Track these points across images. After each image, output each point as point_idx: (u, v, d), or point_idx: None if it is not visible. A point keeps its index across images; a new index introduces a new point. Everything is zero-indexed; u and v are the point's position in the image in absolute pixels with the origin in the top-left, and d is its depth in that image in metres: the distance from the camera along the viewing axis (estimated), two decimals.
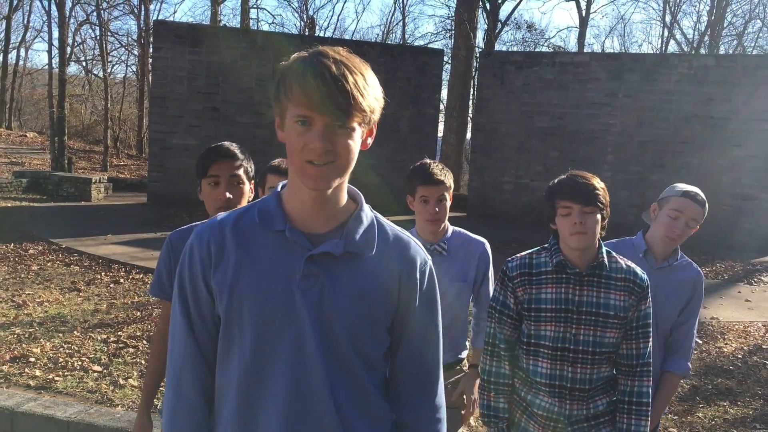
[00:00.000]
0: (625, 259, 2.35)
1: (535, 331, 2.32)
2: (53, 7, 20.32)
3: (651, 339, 2.34)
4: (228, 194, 2.24)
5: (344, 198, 1.47)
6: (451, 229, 2.84)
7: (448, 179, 2.74)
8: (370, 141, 1.43)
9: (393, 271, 1.46)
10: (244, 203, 2.25)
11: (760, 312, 8.00)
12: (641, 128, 13.00)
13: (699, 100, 12.63)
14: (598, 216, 2.23)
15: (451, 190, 2.77)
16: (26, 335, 5.51)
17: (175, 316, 1.49)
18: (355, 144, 1.36)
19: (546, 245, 2.40)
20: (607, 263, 2.29)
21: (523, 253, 2.45)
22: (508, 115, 13.81)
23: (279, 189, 1.50)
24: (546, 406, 2.32)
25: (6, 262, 8.19)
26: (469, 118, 20.13)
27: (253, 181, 2.36)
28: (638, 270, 2.32)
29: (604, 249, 2.31)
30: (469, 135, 17.34)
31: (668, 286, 2.71)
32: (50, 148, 18.81)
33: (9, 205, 12.48)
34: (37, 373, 4.69)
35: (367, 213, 1.49)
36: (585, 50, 25.71)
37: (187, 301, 1.47)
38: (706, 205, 2.70)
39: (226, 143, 2.33)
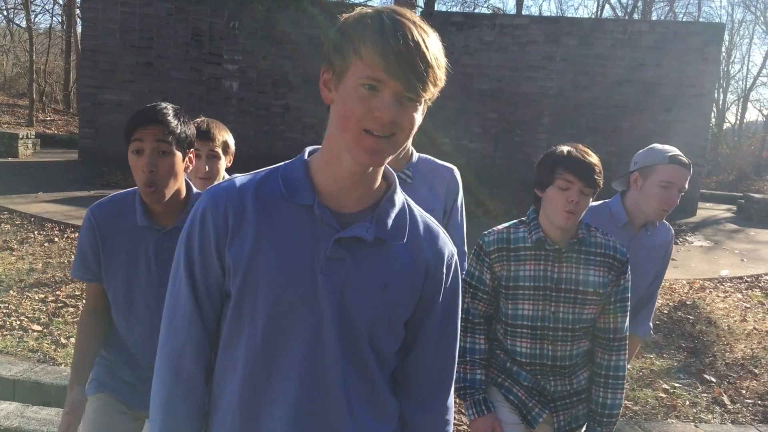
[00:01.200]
0: (604, 233, 2.31)
1: (513, 311, 2.27)
2: None
3: (628, 313, 2.30)
4: (152, 165, 1.97)
5: (380, 176, 1.34)
6: (416, 155, 2.59)
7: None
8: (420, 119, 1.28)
9: (420, 263, 1.34)
10: (174, 178, 2.02)
11: (685, 270, 8.42)
12: (577, 91, 13.28)
13: (632, 65, 12.97)
14: (590, 199, 2.19)
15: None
16: None
17: (179, 289, 1.34)
18: (417, 121, 1.22)
19: (524, 219, 2.32)
20: (587, 239, 2.24)
21: (500, 227, 2.35)
22: (449, 76, 13.38)
23: (306, 156, 1.35)
24: (531, 378, 2.29)
25: None
26: None
27: (192, 150, 2.11)
28: (618, 244, 2.27)
29: (583, 224, 2.26)
30: None
31: (644, 253, 2.65)
32: None
33: None
34: None
35: (400, 196, 1.36)
36: (523, 13, 25.93)
37: (194, 272, 1.32)
38: (691, 167, 2.60)
39: (162, 104, 2.05)
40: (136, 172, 1.98)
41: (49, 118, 22.99)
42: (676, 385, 4.80)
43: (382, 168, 1.32)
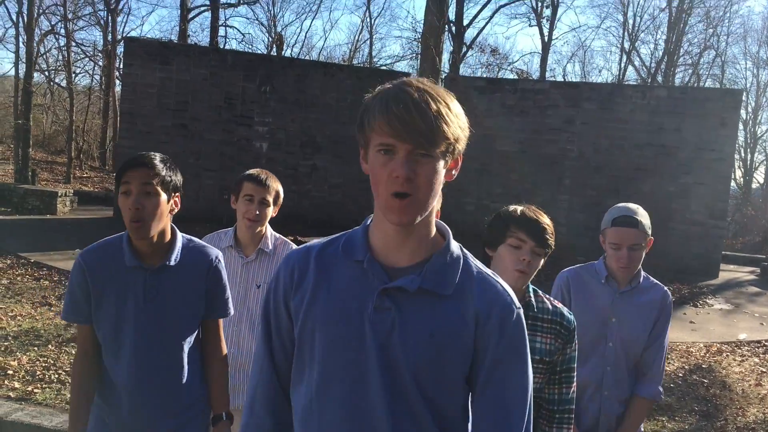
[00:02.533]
0: (552, 299, 2.27)
1: None
2: (21, 19, 20.24)
3: (574, 384, 2.25)
4: (138, 204, 2.11)
5: (432, 232, 1.43)
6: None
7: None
8: (455, 172, 1.40)
9: (468, 313, 1.37)
10: (159, 217, 2.17)
11: (702, 333, 8.49)
12: (597, 154, 13.56)
13: (651, 129, 13.24)
14: (542, 260, 2.18)
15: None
16: (2, 348, 5.67)
17: (258, 338, 1.54)
18: (438, 174, 1.33)
19: None
20: (534, 303, 2.20)
21: None
22: (471, 138, 13.95)
23: (368, 222, 1.48)
24: None
25: None
26: None
27: (178, 194, 2.27)
28: (565, 311, 2.23)
29: (530, 288, 2.23)
30: None
31: (633, 309, 2.69)
32: (14, 160, 18.70)
33: None
34: (16, 385, 4.88)
35: (454, 250, 1.44)
36: (547, 75, 26.57)
37: (270, 323, 1.50)
38: (642, 224, 2.64)
39: (151, 153, 2.23)
40: (124, 211, 2.13)
41: (85, 175, 23.85)
42: None
43: (432, 224, 1.43)
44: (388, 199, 1.31)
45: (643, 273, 2.78)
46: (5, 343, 5.81)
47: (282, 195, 3.05)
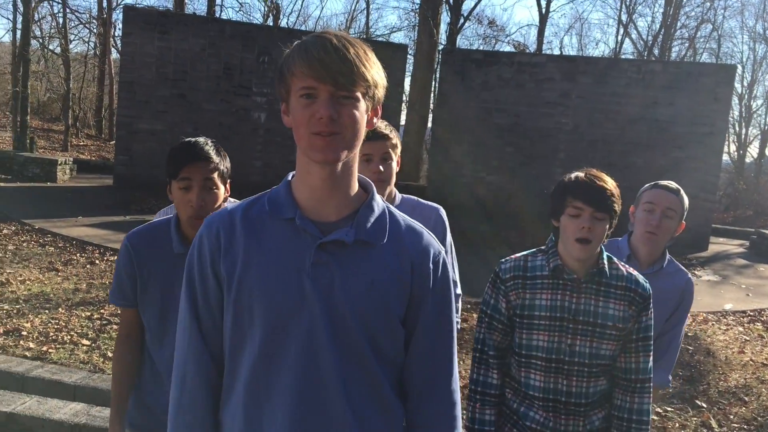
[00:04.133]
0: (627, 266, 2.20)
1: (527, 341, 2.16)
2: None
3: (652, 352, 2.18)
4: (201, 200, 2.07)
5: (355, 186, 1.45)
6: (399, 196, 2.59)
7: (394, 136, 2.48)
8: (376, 120, 1.42)
9: (405, 261, 1.42)
10: (215, 208, 2.10)
11: None
12: (592, 128, 13.73)
13: (645, 103, 13.41)
14: (607, 224, 2.09)
15: (398, 150, 2.50)
16: (14, 311, 5.88)
17: (181, 309, 1.47)
18: (361, 115, 1.35)
19: (543, 247, 2.25)
20: (607, 270, 2.14)
21: (517, 255, 2.27)
22: (467, 110, 14.40)
23: (290, 177, 1.48)
24: (540, 419, 2.17)
25: None
26: (430, 111, 20.73)
27: (229, 181, 2.20)
28: (640, 278, 2.17)
29: (605, 254, 2.16)
30: (429, 127, 17.91)
31: (655, 294, 2.47)
32: (12, 127, 18.74)
33: None
34: (31, 345, 5.10)
35: (379, 202, 1.47)
36: (544, 47, 26.57)
37: (194, 291, 1.44)
38: (682, 194, 2.58)
39: (201, 141, 2.14)
40: (184, 206, 2.07)
41: (82, 143, 23.90)
42: (669, 409, 5.18)
43: (355, 176, 1.44)
44: (310, 138, 1.32)
45: (668, 256, 2.67)
46: (17, 306, 6.02)
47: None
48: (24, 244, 8.52)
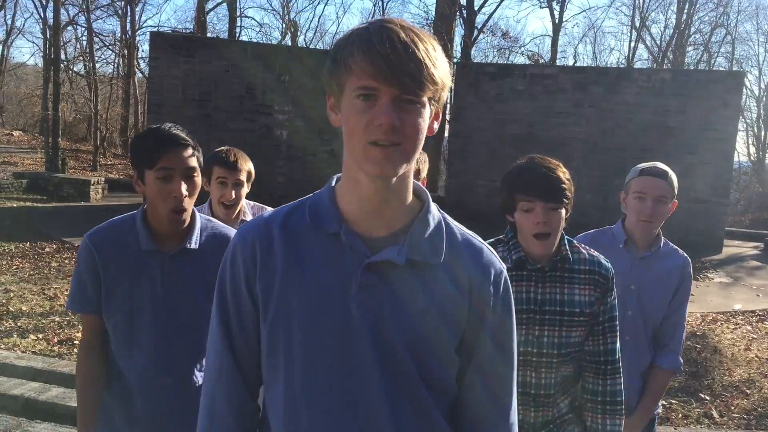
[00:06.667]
0: (588, 248, 2.15)
1: None
2: (40, 12, 20.98)
3: (618, 333, 2.15)
4: (185, 191, 1.90)
5: (409, 196, 1.28)
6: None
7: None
8: (436, 126, 1.25)
9: (463, 282, 1.27)
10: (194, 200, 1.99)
11: (700, 304, 9.07)
12: (604, 136, 14.07)
13: (657, 111, 13.73)
14: (563, 211, 2.01)
15: (423, 170, 2.56)
16: (65, 322, 6.40)
17: (212, 329, 1.33)
18: (425, 123, 1.18)
19: (501, 237, 2.18)
20: (570, 255, 2.08)
21: None
22: (482, 122, 14.82)
23: (333, 183, 1.32)
24: None
25: (27, 259, 9.04)
26: (446, 122, 21.16)
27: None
28: (602, 259, 2.12)
29: (565, 240, 2.11)
30: (446, 139, 18.34)
31: (654, 276, 2.56)
32: (45, 149, 19.49)
33: (15, 205, 13.27)
34: None
35: (435, 214, 1.31)
36: (558, 56, 26.94)
37: (227, 310, 1.30)
38: (670, 176, 2.54)
39: (171, 126, 1.96)
40: (164, 198, 1.91)
41: (110, 163, 24.63)
42: (673, 401, 5.54)
43: (410, 185, 1.28)
44: (366, 148, 1.15)
45: (663, 238, 2.68)
46: (66, 318, 6.54)
47: (253, 171, 2.95)
48: (66, 261, 9.07)
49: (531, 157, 2.07)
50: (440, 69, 1.16)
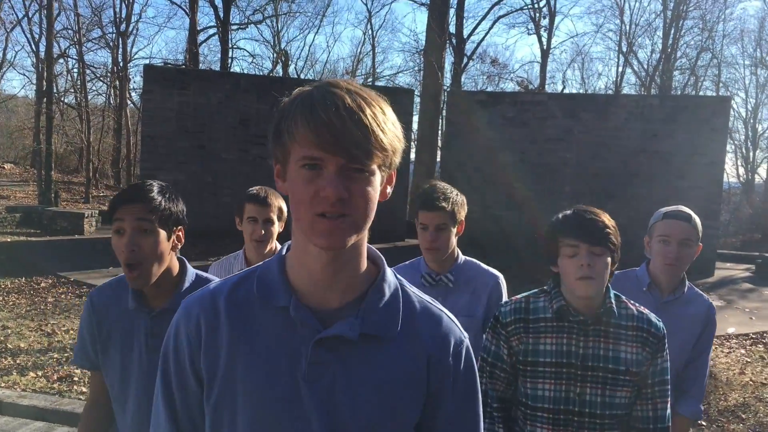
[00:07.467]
0: (637, 305, 2.07)
1: (532, 391, 2.00)
2: (32, 45, 21.13)
3: (670, 398, 2.04)
4: (132, 245, 1.84)
5: (363, 264, 1.22)
6: (462, 258, 2.61)
7: (452, 204, 2.49)
8: (389, 190, 1.19)
9: (420, 355, 1.20)
10: (160, 258, 1.90)
11: None
12: (595, 161, 14.23)
13: (645, 136, 13.92)
14: (608, 259, 1.94)
15: (459, 216, 2.53)
16: (64, 359, 6.39)
17: (157, 407, 1.25)
18: (375, 192, 1.13)
19: (545, 287, 2.11)
20: (615, 310, 1.98)
21: (518, 297, 2.13)
22: (474, 149, 14.96)
23: (284, 251, 1.24)
24: None
25: (23, 294, 9.03)
26: (438, 148, 21.35)
27: (181, 228, 1.98)
28: (652, 317, 2.03)
29: (611, 293, 2.01)
30: (438, 165, 18.49)
31: (677, 321, 2.48)
32: (38, 182, 19.51)
33: (9, 239, 13.25)
34: (83, 389, 5.60)
35: (390, 281, 1.23)
36: (547, 81, 27.28)
37: (171, 389, 1.22)
38: (694, 219, 2.55)
39: (148, 182, 1.93)
40: (118, 253, 1.87)
41: (102, 194, 24.62)
42: None
43: (363, 253, 1.21)
44: (313, 220, 1.09)
45: (687, 282, 2.65)
46: (65, 354, 6.53)
47: (285, 209, 2.91)
48: (62, 296, 9.07)
49: (576, 206, 2.05)
50: (389, 134, 1.11)
